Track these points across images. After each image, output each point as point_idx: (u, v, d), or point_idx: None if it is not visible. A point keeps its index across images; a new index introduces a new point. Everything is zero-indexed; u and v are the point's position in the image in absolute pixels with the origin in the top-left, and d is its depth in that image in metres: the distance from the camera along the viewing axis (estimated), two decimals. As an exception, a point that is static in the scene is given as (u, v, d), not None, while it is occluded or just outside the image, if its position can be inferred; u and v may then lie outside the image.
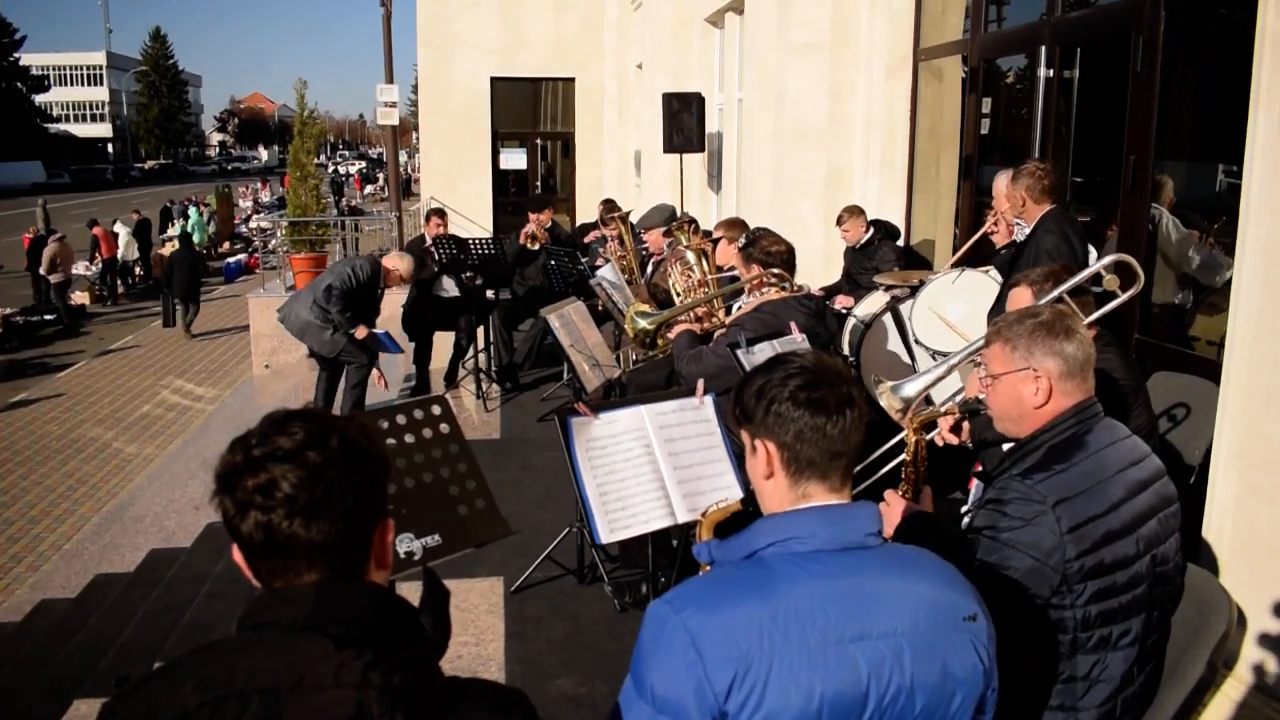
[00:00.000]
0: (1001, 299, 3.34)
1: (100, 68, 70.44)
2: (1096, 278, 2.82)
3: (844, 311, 5.36)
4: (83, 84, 69.95)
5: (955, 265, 4.62)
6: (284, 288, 12.89)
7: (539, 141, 16.40)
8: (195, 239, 24.35)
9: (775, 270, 3.90)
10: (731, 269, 4.50)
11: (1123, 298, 2.83)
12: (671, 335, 3.99)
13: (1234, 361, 2.78)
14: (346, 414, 2.21)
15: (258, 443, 1.30)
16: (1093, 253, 3.88)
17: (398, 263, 6.43)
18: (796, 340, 3.52)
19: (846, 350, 4.92)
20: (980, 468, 2.98)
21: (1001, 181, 4.13)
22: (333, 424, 1.32)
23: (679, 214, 6.86)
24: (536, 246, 7.26)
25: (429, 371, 7.48)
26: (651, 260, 6.66)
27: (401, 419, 2.34)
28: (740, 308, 4.02)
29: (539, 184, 16.40)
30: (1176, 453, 3.11)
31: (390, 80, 14.59)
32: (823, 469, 1.55)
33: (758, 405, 1.57)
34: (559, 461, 4.88)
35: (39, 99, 59.07)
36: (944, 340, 4.17)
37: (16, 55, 56.82)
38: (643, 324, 4.11)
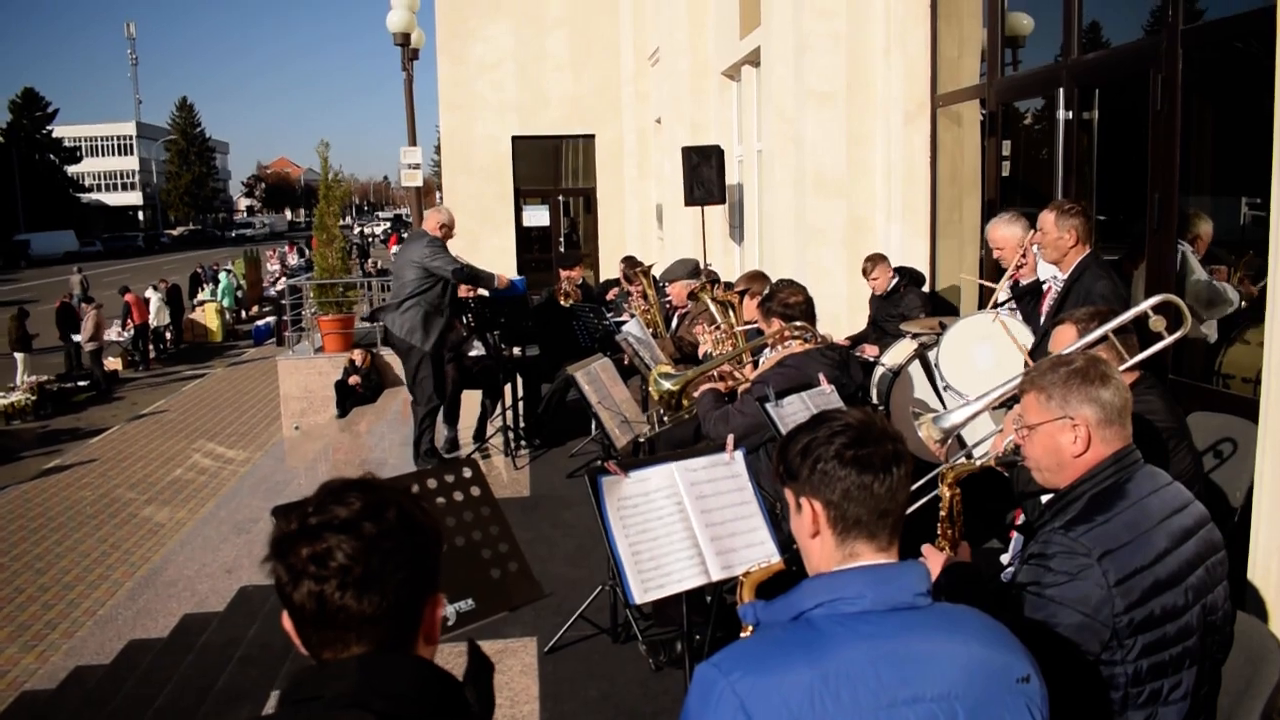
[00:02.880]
0: (1043, 340, 3.22)
1: (130, 137, 71.87)
2: (1141, 318, 2.70)
3: (871, 360, 5.33)
4: (114, 154, 71.38)
5: (986, 308, 4.52)
6: (312, 349, 13.05)
7: (561, 197, 16.48)
8: (225, 303, 24.46)
9: (797, 323, 3.85)
10: (758, 329, 4.38)
11: (1169, 339, 2.78)
12: (696, 395, 3.95)
13: (1271, 399, 2.70)
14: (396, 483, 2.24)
15: (314, 510, 1.30)
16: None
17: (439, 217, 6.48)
18: (826, 391, 3.47)
19: (875, 399, 4.89)
20: (1020, 518, 2.92)
21: (1010, 228, 4.13)
22: (390, 496, 1.31)
23: (702, 267, 6.86)
24: (570, 304, 7.32)
25: (458, 430, 7.46)
26: (676, 313, 6.65)
27: (432, 483, 2.34)
28: (764, 362, 3.97)
29: (562, 240, 16.49)
30: (1220, 494, 3.02)
31: (413, 142, 14.72)
32: (870, 528, 1.52)
33: (803, 463, 1.55)
34: (589, 518, 4.81)
35: (71, 170, 60.23)
36: (974, 384, 4.09)
37: (49, 128, 57.92)
38: (666, 386, 4.05)
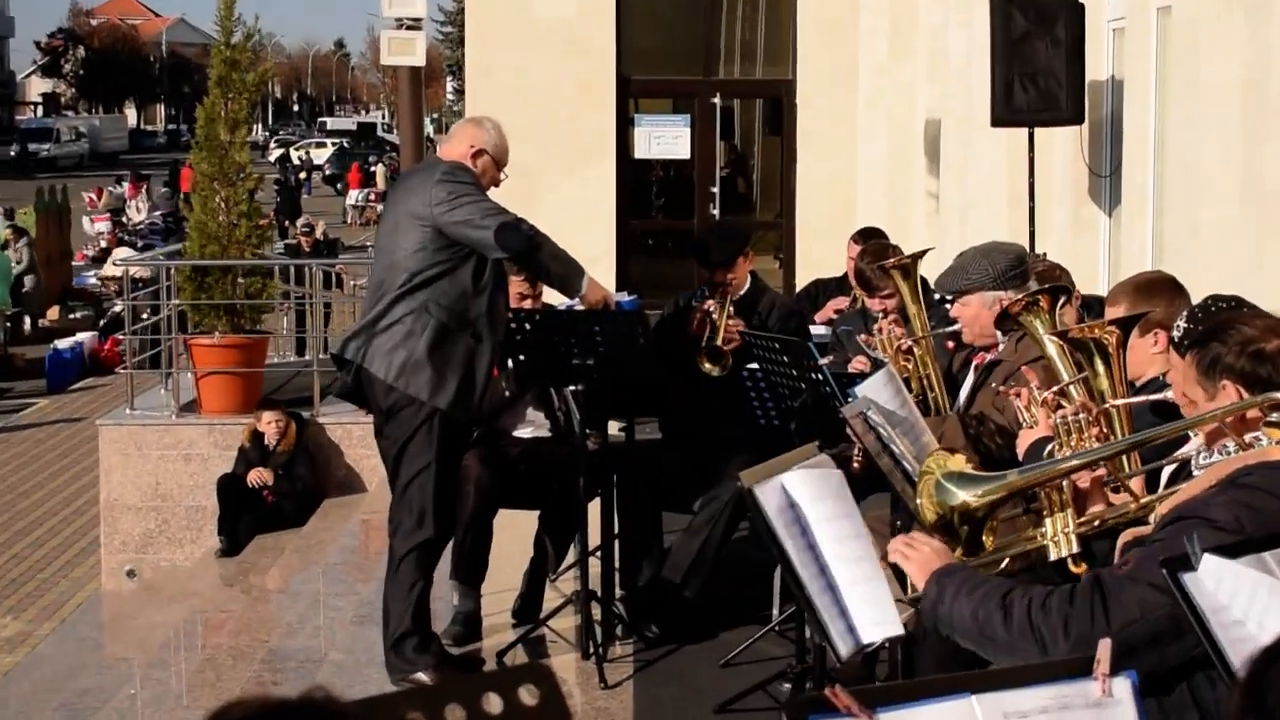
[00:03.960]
0: None
1: None
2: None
3: None
4: None
5: None
6: (173, 405, 12.58)
7: (717, 100, 15.48)
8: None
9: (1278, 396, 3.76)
10: (1159, 386, 4.59)
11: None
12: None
13: None
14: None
15: None
16: None
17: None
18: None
19: None
20: None
21: None
22: None
23: (1031, 262, 6.69)
24: (729, 335, 7.14)
25: (481, 596, 7.16)
26: (974, 363, 6.38)
27: (459, 715, 2.26)
28: (1197, 467, 3.99)
29: (715, 191, 15.57)
30: None
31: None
32: None
33: None
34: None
35: None
36: None
37: None
38: (962, 497, 3.88)
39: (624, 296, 7.39)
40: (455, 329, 6.53)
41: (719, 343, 6.90)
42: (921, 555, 4.11)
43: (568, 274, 6.70)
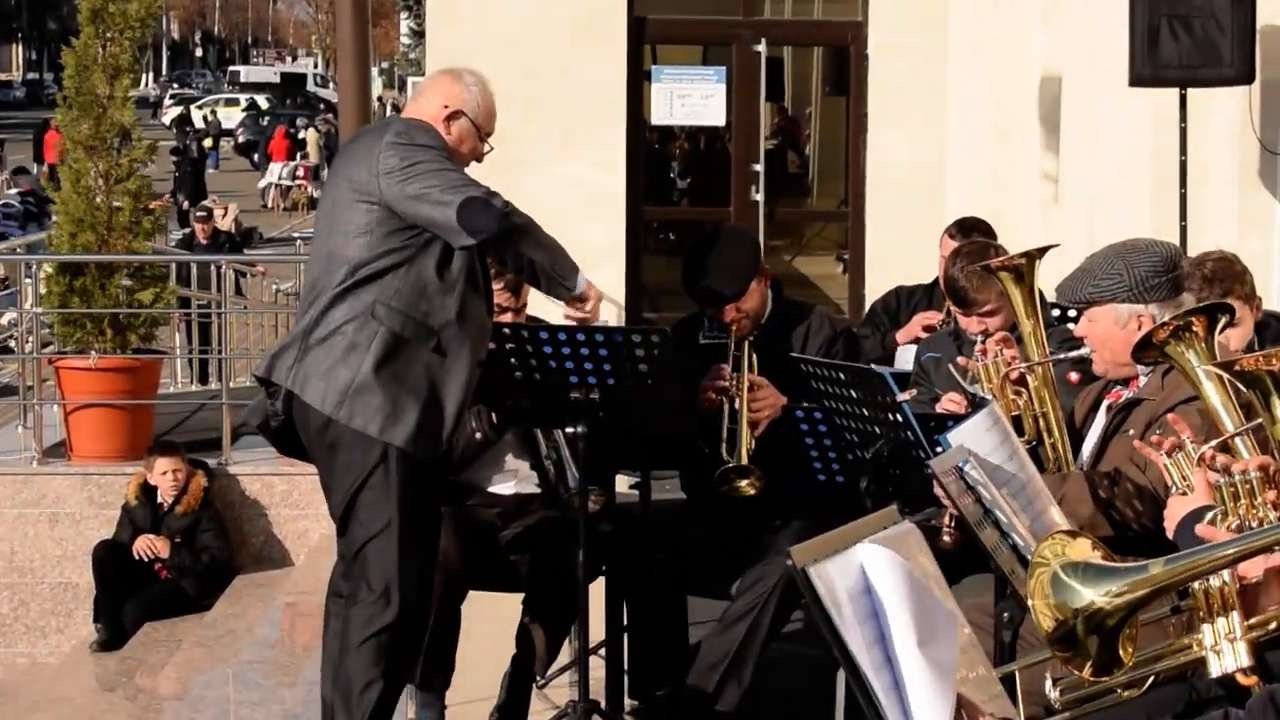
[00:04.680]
0: None
1: None
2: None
3: None
4: None
5: None
6: (34, 449, 12.50)
7: (760, 50, 15.44)
8: None
9: None
10: None
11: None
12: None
13: None
14: None
15: None
16: None
17: None
18: None
19: None
20: None
21: None
22: None
23: (1191, 264, 6.75)
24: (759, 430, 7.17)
25: (444, 709, 7.11)
26: (1105, 401, 6.38)
27: None
28: None
29: (758, 167, 15.53)
30: None
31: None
32: None
33: None
34: None
35: None
36: None
37: None
38: (1089, 596, 3.84)
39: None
40: (412, 339, 6.46)
41: (744, 458, 6.68)
42: None
43: (556, 267, 6.62)
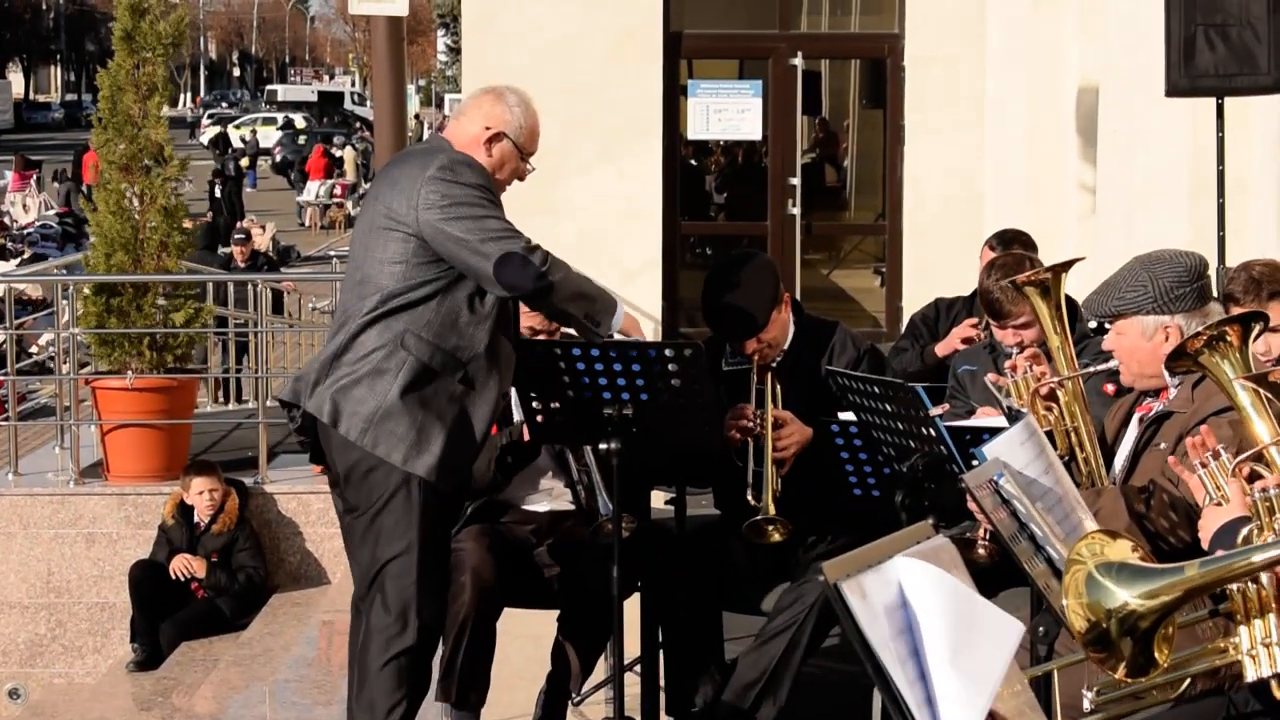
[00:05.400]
0: None
1: None
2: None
3: None
4: None
5: None
6: (71, 470, 12.50)
7: (797, 64, 15.56)
8: None
9: None
10: None
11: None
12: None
13: None
14: None
15: None
16: None
17: None
18: None
19: None
20: None
21: None
22: None
23: (1206, 274, 6.47)
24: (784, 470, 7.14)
25: (480, 715, 7.10)
26: (1136, 414, 6.39)
27: None
28: None
29: (795, 180, 15.65)
30: None
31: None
32: None
33: None
34: None
35: None
36: None
37: None
38: (1124, 597, 3.90)
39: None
40: (440, 371, 6.46)
41: (770, 506, 6.55)
42: None
43: (592, 315, 6.62)
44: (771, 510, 6.60)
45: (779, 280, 7.31)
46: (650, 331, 14.46)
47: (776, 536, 6.68)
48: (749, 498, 6.64)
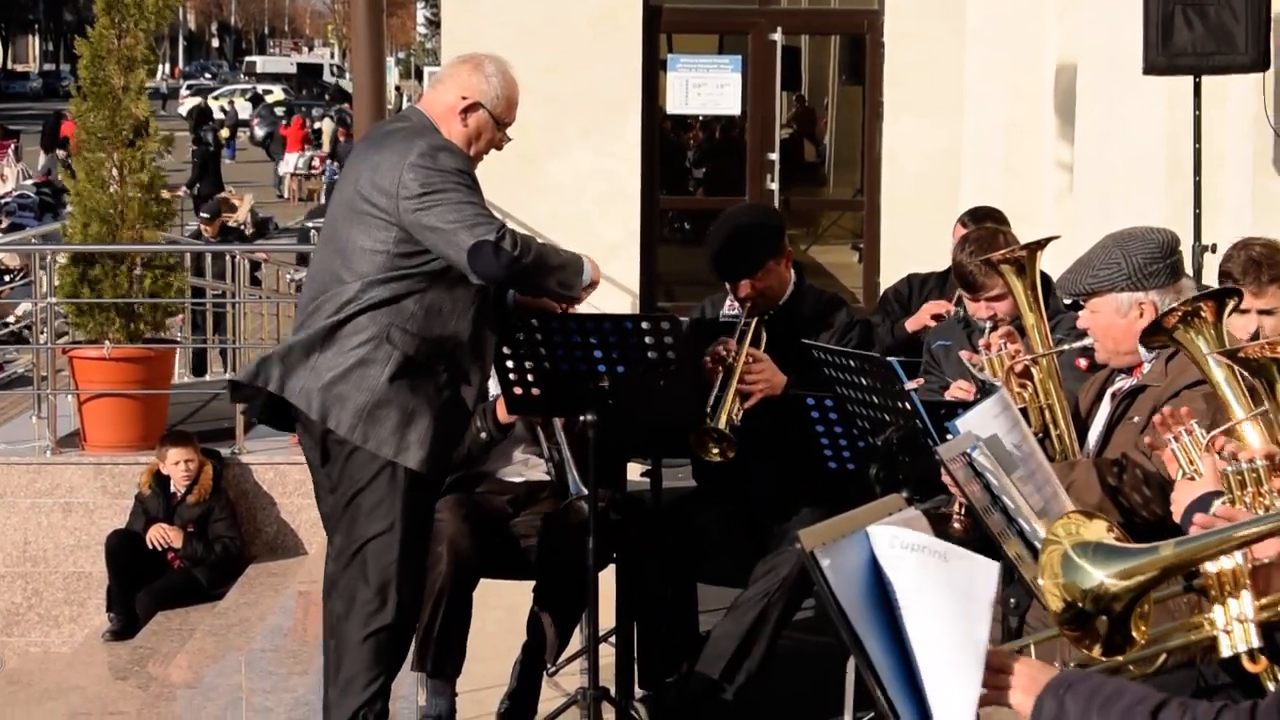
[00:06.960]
0: None
1: None
2: None
3: None
4: None
5: None
6: (48, 439, 12.53)
7: (776, 39, 15.55)
8: None
9: None
10: None
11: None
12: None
13: None
14: None
15: None
16: None
17: None
18: None
19: None
20: None
21: None
22: None
23: (1179, 250, 6.49)
24: (750, 402, 7.15)
25: (455, 693, 7.05)
26: (1109, 390, 6.46)
27: None
28: None
29: (773, 156, 15.60)
30: None
31: None
32: None
33: None
34: None
35: None
36: None
37: None
38: (1099, 577, 3.89)
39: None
40: (426, 362, 6.46)
41: (722, 422, 6.71)
42: (1021, 678, 3.99)
43: (566, 280, 6.64)
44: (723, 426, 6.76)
45: (784, 236, 7.39)
46: (628, 306, 14.48)
47: (715, 452, 6.67)
48: (706, 415, 6.68)
